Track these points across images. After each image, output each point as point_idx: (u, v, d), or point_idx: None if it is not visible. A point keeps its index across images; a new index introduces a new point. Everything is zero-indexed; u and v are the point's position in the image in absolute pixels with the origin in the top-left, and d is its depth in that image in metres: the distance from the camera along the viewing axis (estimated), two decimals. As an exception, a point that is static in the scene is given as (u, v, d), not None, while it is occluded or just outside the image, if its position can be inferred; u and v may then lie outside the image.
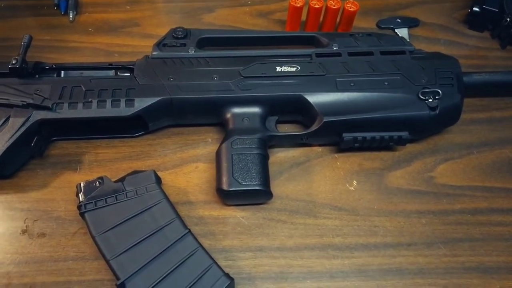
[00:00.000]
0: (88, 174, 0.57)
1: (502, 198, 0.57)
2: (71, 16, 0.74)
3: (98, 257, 0.49)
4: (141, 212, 0.50)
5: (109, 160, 0.59)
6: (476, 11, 0.73)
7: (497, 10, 0.71)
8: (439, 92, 0.57)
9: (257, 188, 0.52)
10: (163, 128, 0.62)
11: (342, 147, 0.59)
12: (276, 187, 0.57)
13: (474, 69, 0.68)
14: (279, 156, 0.60)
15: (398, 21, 0.76)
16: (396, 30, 0.75)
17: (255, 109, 0.58)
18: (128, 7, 0.77)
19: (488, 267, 0.52)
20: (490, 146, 0.62)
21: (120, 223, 0.49)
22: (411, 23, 0.76)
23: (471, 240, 0.54)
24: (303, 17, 0.72)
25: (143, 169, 0.55)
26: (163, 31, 0.64)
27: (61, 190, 0.56)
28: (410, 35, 0.74)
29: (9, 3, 0.76)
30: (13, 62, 0.56)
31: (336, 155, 0.60)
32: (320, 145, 0.61)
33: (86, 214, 0.50)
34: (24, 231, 0.53)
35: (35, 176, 0.57)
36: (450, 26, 0.76)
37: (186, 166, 0.59)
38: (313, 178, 0.58)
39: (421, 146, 0.62)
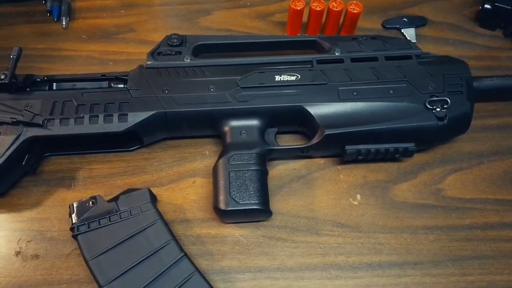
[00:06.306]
0: (82, 191, 0.56)
1: (514, 212, 0.55)
2: (64, 23, 0.71)
3: (92, 280, 0.48)
4: (135, 234, 0.48)
5: (103, 176, 0.57)
6: (487, 8, 0.69)
7: (510, 7, 0.67)
8: (447, 101, 0.54)
9: (255, 207, 0.50)
10: (159, 141, 0.60)
11: (345, 160, 0.56)
12: (276, 202, 0.55)
13: (486, 71, 0.65)
14: (279, 169, 0.58)
15: (404, 20, 0.72)
16: (402, 30, 0.71)
17: (253, 122, 0.55)
18: (122, 11, 0.74)
19: (499, 287, 0.49)
20: (501, 155, 0.59)
21: (114, 246, 0.47)
22: (418, 22, 0.72)
23: (481, 258, 0.51)
24: (304, 19, 0.68)
25: (138, 186, 0.54)
26: (159, 37, 0.62)
27: (54, 209, 0.54)
28: (417, 35, 0.71)
29: (0, 10, 0.74)
30: (2, 77, 0.54)
31: (339, 167, 0.58)
32: (322, 157, 0.58)
33: (79, 237, 0.48)
34: (17, 253, 0.52)
35: (28, 194, 0.56)
36: (459, 24, 0.72)
37: (183, 181, 0.57)
38: (314, 192, 0.56)
39: (428, 156, 0.59)
